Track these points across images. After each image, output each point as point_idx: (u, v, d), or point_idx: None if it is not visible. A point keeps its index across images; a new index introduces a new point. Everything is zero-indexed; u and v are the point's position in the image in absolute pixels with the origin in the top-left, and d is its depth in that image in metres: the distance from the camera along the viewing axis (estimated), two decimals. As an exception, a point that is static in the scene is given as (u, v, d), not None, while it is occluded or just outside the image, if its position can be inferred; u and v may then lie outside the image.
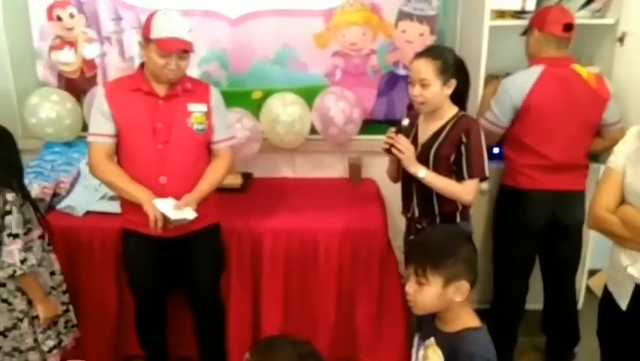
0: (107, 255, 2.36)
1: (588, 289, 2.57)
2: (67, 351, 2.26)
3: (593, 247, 2.68)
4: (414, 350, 1.50)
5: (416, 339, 1.50)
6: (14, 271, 1.82)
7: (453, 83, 1.90)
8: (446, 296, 1.33)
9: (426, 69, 1.87)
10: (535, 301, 2.55)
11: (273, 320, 2.39)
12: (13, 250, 1.81)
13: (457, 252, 1.34)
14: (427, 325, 1.44)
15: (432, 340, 1.39)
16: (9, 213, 1.82)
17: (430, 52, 1.93)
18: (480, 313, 2.63)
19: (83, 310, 2.40)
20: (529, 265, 2.44)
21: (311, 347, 1.11)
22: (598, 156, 2.46)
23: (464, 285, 1.33)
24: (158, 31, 1.87)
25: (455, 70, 1.91)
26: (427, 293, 1.34)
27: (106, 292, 2.39)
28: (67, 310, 2.13)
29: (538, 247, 2.40)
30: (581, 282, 2.71)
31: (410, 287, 1.37)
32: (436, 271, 1.32)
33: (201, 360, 2.38)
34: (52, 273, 2.06)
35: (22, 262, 1.82)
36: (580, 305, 2.67)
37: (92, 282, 2.38)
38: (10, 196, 1.83)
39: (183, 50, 1.89)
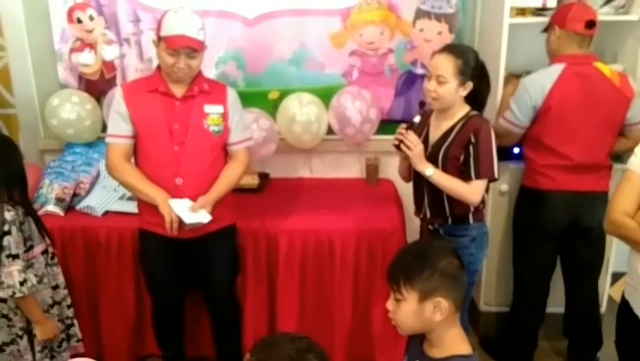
0: (125, 254, 2.38)
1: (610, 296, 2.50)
2: (85, 349, 2.28)
3: (617, 249, 2.62)
4: None
5: None
6: (13, 293, 1.77)
7: (469, 85, 1.88)
8: (424, 314, 1.21)
9: (445, 66, 1.85)
10: (556, 304, 2.50)
11: (288, 321, 2.39)
12: (13, 271, 1.76)
13: (434, 264, 1.22)
14: (414, 347, 1.34)
15: None
16: (8, 233, 1.78)
17: (452, 49, 1.91)
18: (500, 316, 2.67)
19: (101, 310, 2.44)
20: (549, 268, 2.40)
21: (309, 341, 1.11)
22: (622, 157, 2.40)
23: (442, 303, 1.20)
24: (166, 29, 1.87)
25: (475, 73, 1.88)
26: (404, 310, 1.23)
27: (124, 291, 2.41)
28: (71, 325, 2.11)
29: (560, 248, 2.36)
30: (604, 285, 2.64)
31: (390, 304, 1.28)
32: (409, 284, 1.22)
33: (218, 360, 2.39)
34: (56, 287, 2.04)
35: (22, 283, 1.78)
36: (603, 309, 2.60)
37: (111, 281, 2.41)
38: (9, 215, 1.79)
39: (190, 47, 1.87)
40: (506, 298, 2.61)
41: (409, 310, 1.23)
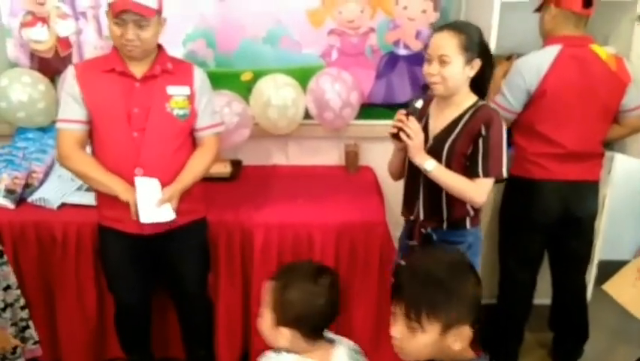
0: (84, 251, 2.17)
1: (600, 288, 2.42)
2: (44, 353, 2.13)
3: (604, 238, 2.56)
4: None
5: None
6: None
7: (477, 63, 1.66)
8: (443, 344, 1.09)
9: (448, 44, 1.63)
10: (541, 295, 2.42)
11: (265, 320, 2.24)
12: None
13: (461, 290, 1.08)
14: None
15: None
16: None
17: (453, 25, 1.70)
18: (486, 308, 2.58)
19: (58, 311, 2.25)
20: (538, 260, 2.31)
21: (323, 265, 1.36)
22: (612, 144, 2.31)
23: (466, 331, 1.08)
24: None
25: (480, 50, 1.67)
26: (420, 341, 1.09)
27: (84, 290, 2.21)
28: (26, 327, 1.94)
29: (548, 240, 2.26)
30: (590, 275, 2.58)
31: (397, 331, 1.11)
32: (434, 316, 1.07)
33: (188, 363, 2.23)
34: (8, 288, 1.87)
35: None
36: (588, 299, 2.54)
37: (69, 280, 2.20)
38: None
39: (134, 12, 1.65)
40: (491, 290, 2.52)
41: (426, 341, 1.09)
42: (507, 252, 2.34)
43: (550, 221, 2.16)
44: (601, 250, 2.59)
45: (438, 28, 1.71)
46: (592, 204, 2.19)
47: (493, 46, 2.21)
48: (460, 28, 1.67)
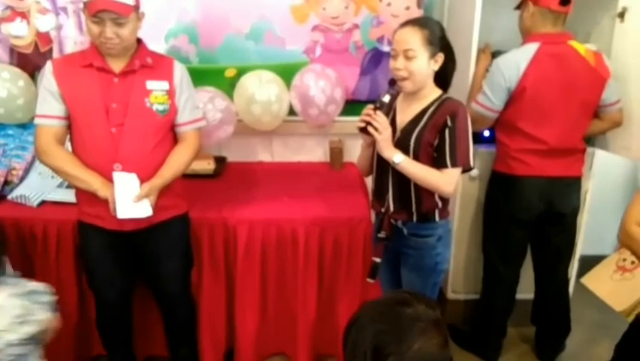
0: (65, 248, 2.15)
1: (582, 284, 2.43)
2: None
3: (586, 233, 2.58)
4: None
5: None
6: None
7: (441, 57, 1.69)
8: None
9: (412, 39, 1.65)
10: (524, 290, 2.44)
11: (249, 317, 2.23)
12: None
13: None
14: None
15: None
16: None
17: (416, 21, 1.71)
18: (468, 304, 2.59)
19: (39, 310, 2.21)
20: (521, 255, 2.33)
21: None
22: (593, 140, 2.34)
23: None
24: None
25: (442, 45, 1.69)
26: None
27: (65, 288, 2.17)
28: None
29: (531, 235, 2.28)
30: (572, 270, 2.60)
31: None
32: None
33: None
34: None
35: None
36: (570, 294, 2.56)
37: (50, 278, 2.15)
38: None
39: (111, 11, 1.63)
40: (475, 285, 2.54)
41: None
42: (490, 247, 2.35)
43: (532, 217, 2.18)
44: (583, 245, 2.61)
45: (401, 24, 1.72)
46: (574, 200, 2.22)
47: (474, 44, 2.23)
48: (422, 23, 1.69)
